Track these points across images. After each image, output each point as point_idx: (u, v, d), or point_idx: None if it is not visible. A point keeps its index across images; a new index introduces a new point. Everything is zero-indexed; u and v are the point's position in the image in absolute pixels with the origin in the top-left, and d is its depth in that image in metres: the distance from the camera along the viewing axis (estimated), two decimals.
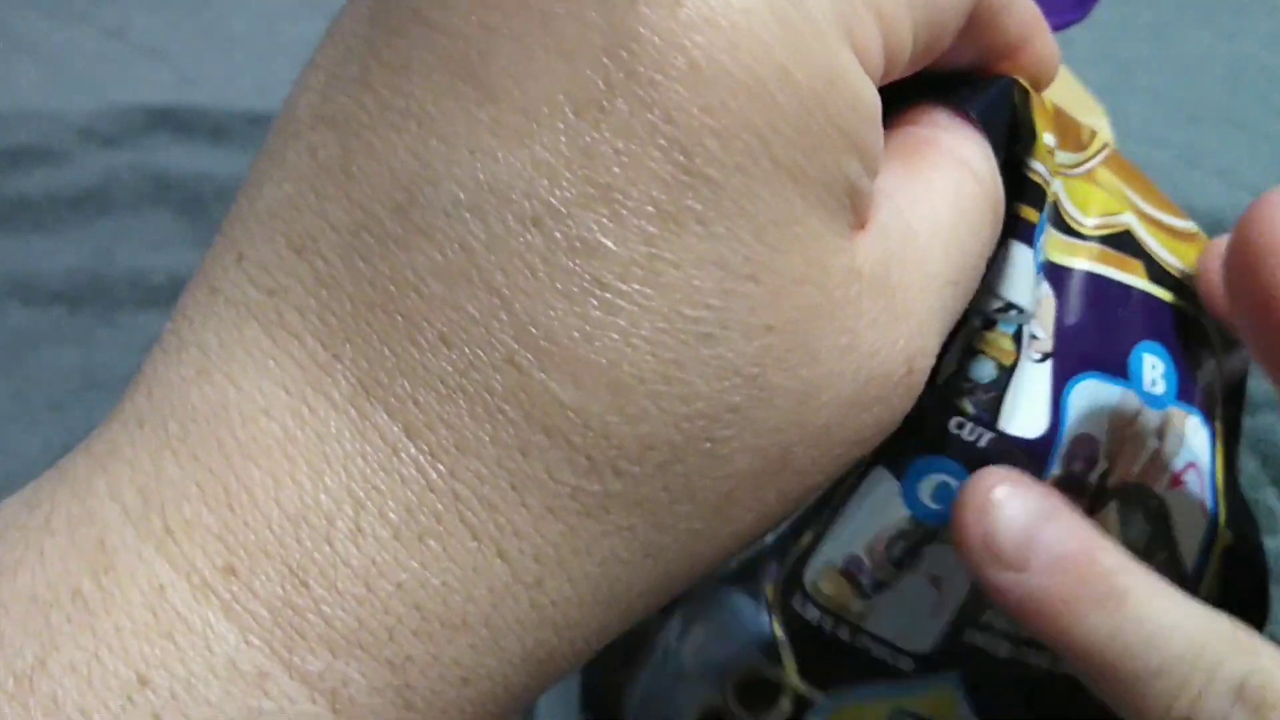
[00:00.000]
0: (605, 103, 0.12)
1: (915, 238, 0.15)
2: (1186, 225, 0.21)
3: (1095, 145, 0.20)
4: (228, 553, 0.13)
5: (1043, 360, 0.18)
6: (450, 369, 0.13)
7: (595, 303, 0.12)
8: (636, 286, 0.12)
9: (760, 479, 0.14)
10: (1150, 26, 0.68)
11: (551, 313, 0.12)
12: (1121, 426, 0.19)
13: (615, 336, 0.13)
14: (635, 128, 0.12)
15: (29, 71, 0.69)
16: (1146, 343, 0.19)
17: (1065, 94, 0.20)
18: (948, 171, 0.16)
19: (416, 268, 0.13)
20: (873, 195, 0.15)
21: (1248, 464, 0.51)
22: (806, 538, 0.20)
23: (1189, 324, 0.20)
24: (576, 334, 0.12)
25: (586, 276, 0.12)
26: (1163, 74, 0.65)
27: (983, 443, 0.18)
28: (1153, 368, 0.19)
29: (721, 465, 0.13)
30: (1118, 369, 0.19)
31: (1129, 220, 0.20)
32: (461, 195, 0.12)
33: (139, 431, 0.13)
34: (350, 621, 0.13)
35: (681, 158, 0.12)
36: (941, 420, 0.18)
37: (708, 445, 0.13)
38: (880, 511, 0.19)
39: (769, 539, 0.21)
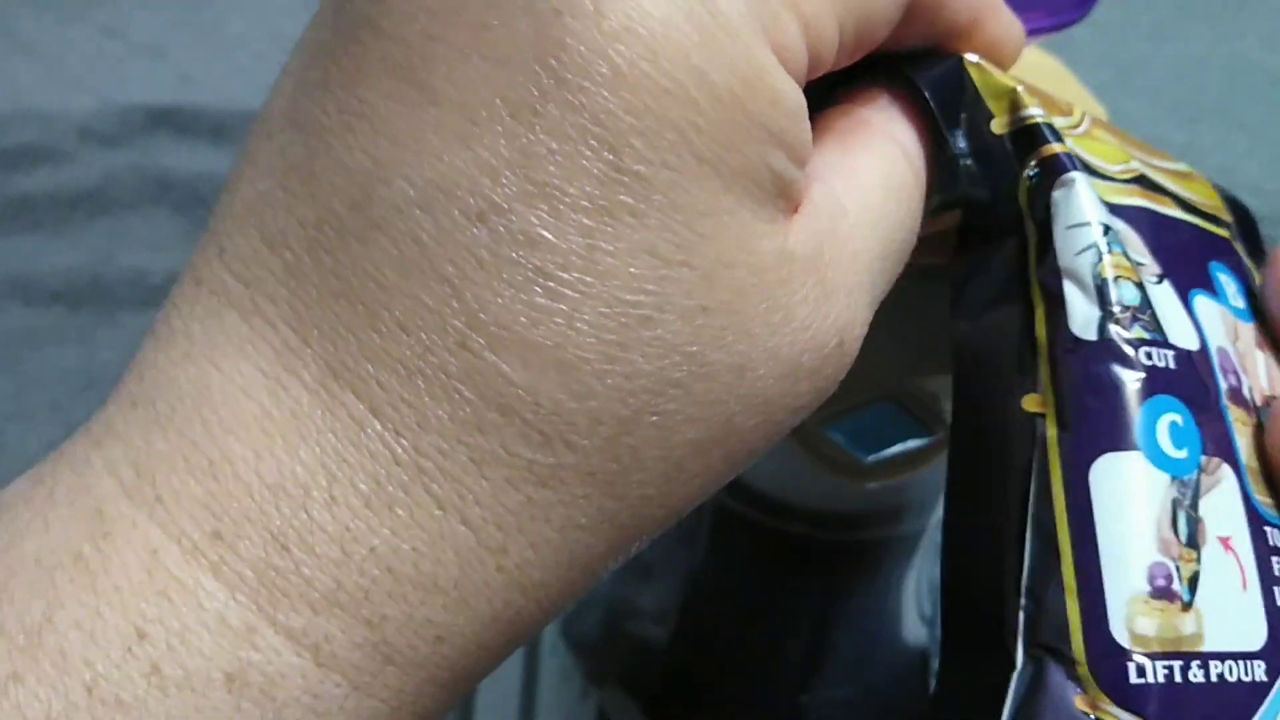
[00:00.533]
0: (539, 107, 0.13)
1: (845, 216, 0.16)
2: (1181, 166, 0.21)
3: (1079, 111, 0.20)
4: (214, 519, 0.14)
5: (1160, 281, 0.18)
6: (409, 353, 0.14)
7: (539, 290, 0.13)
8: (577, 275, 0.13)
9: (707, 447, 0.15)
10: (1150, 26, 0.68)
11: (499, 300, 0.13)
12: (1234, 340, 0.19)
13: (560, 321, 0.14)
14: (567, 130, 0.13)
15: (29, 71, 0.69)
16: (1214, 263, 0.20)
17: (1065, 94, 0.20)
18: (879, 151, 0.17)
19: (374, 260, 0.14)
20: (804, 180, 0.16)
21: None
22: (1058, 602, 0.17)
23: (1230, 248, 0.20)
24: (524, 319, 0.13)
25: (530, 267, 0.13)
26: (1163, 74, 0.65)
27: (1170, 363, 0.17)
28: (1227, 285, 0.20)
29: (668, 436, 0.15)
30: (1210, 287, 0.19)
31: (1138, 166, 0.20)
32: (411, 192, 0.13)
33: (132, 412, 0.14)
34: (329, 582, 0.14)
35: (611, 156, 0.13)
36: (1120, 355, 0.17)
37: (654, 419, 0.14)
38: (1142, 501, 0.17)
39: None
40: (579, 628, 0.37)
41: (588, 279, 0.14)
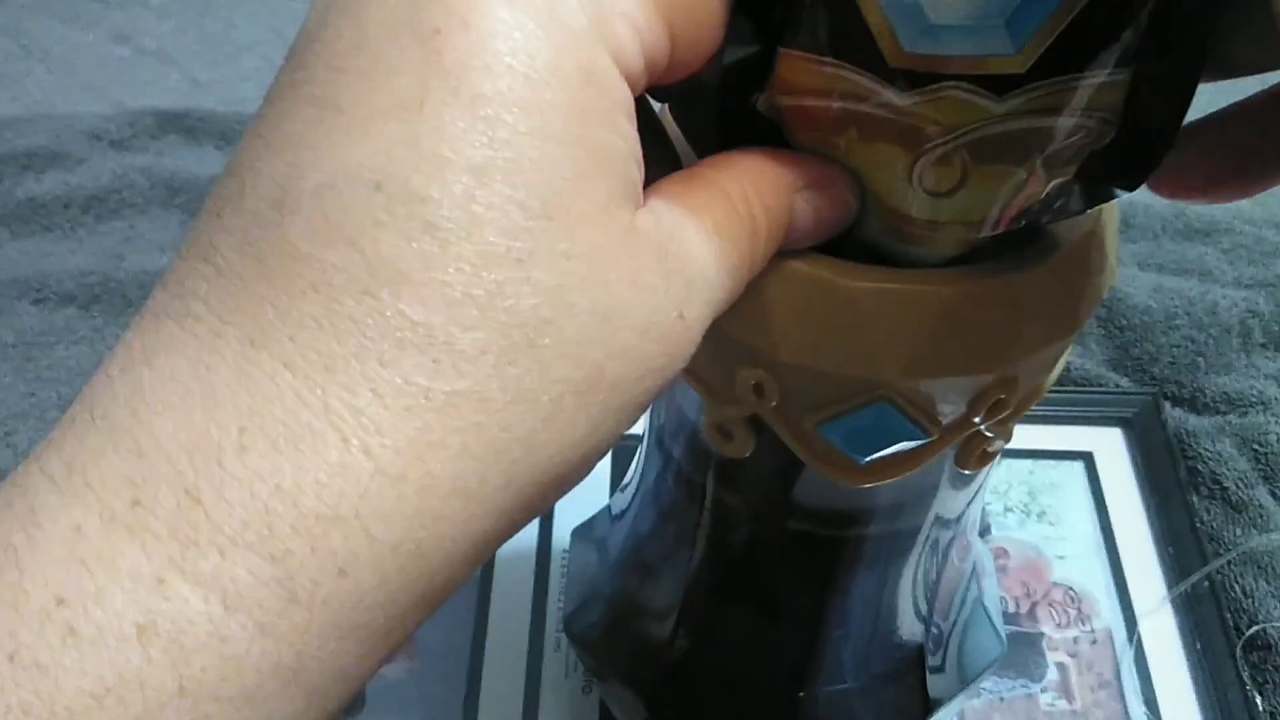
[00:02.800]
0: (424, 101, 0.16)
1: (682, 227, 0.19)
2: None
3: None
4: (135, 489, 0.15)
5: None
6: (320, 310, 0.15)
7: (429, 239, 0.16)
8: (459, 224, 0.16)
9: (581, 389, 0.17)
10: None
11: (396, 250, 0.16)
12: None
13: (449, 264, 0.16)
14: (448, 113, 0.16)
15: (41, 76, 0.69)
16: None
17: None
18: (714, 196, 0.20)
19: (290, 239, 0.16)
20: (642, 188, 0.19)
21: (1240, 463, 0.52)
22: None
23: None
24: (417, 264, 0.16)
25: (420, 219, 0.16)
26: None
27: None
28: None
29: (545, 370, 0.17)
30: None
31: None
32: (321, 179, 0.16)
33: (70, 425, 0.16)
34: (236, 524, 0.15)
35: (487, 130, 0.16)
36: None
37: (532, 352, 0.16)
38: None
39: None
40: (581, 624, 0.38)
41: (468, 226, 0.16)
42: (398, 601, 0.16)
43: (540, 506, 0.18)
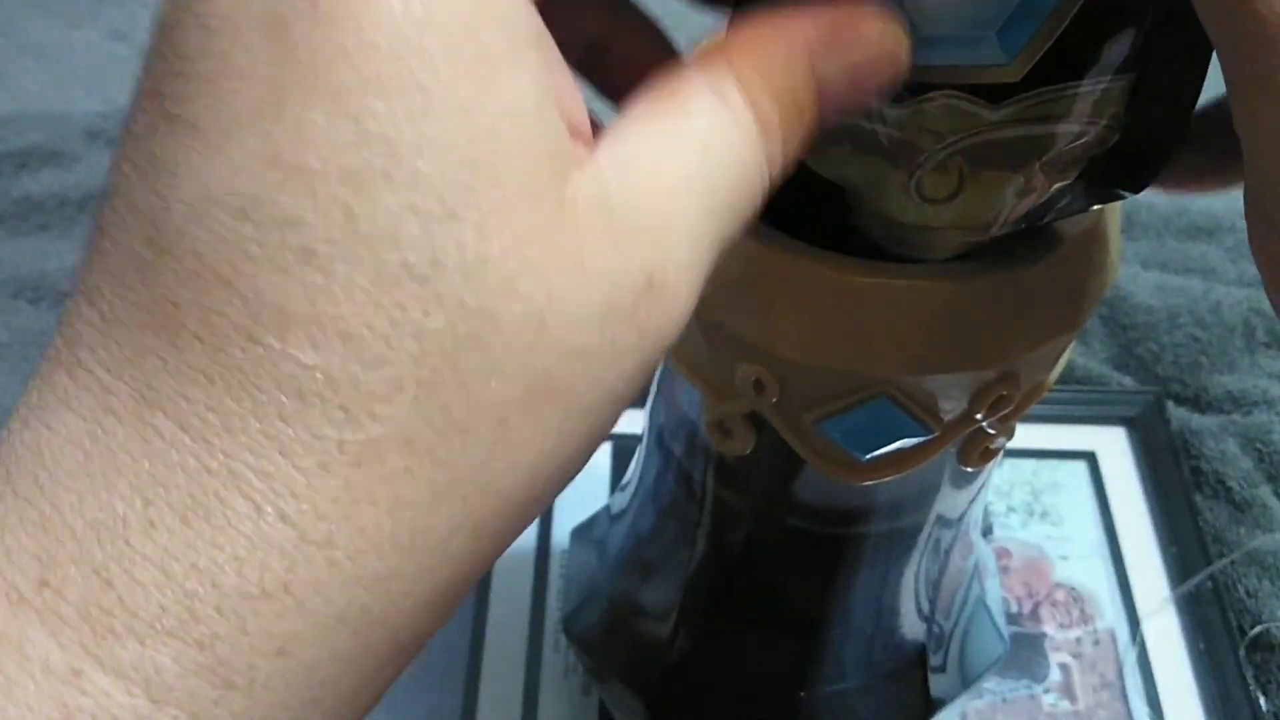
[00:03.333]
0: (281, 102, 0.14)
1: (641, 160, 0.16)
2: None
3: None
4: (42, 568, 0.13)
5: None
6: (207, 361, 0.14)
7: (309, 268, 0.14)
8: (341, 246, 0.14)
9: (529, 404, 0.15)
10: None
11: (274, 286, 0.14)
12: None
13: (337, 294, 0.14)
14: (308, 114, 0.14)
15: (37, 74, 0.69)
16: None
17: None
18: (696, 105, 0.16)
19: (167, 283, 0.14)
20: (575, 123, 0.16)
21: (1243, 462, 0.51)
22: None
23: None
24: (300, 299, 0.14)
25: (295, 247, 0.14)
26: None
27: None
28: None
29: (478, 393, 0.14)
30: None
31: None
32: (186, 210, 0.14)
33: None
34: (153, 609, 0.13)
35: (353, 125, 0.14)
36: None
37: (456, 376, 0.14)
38: None
39: None
40: (581, 624, 0.38)
41: (353, 248, 0.14)
42: (359, 668, 0.15)
43: (514, 532, 0.16)
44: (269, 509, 0.14)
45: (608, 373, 0.16)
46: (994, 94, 0.19)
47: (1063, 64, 0.19)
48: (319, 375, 0.14)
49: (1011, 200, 0.21)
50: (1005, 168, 0.20)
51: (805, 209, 0.22)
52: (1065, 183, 0.21)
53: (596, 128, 0.17)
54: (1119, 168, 0.21)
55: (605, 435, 0.17)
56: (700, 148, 0.16)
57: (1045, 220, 0.22)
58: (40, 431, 0.14)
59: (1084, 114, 0.20)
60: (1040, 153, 0.20)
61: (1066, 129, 0.20)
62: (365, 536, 0.14)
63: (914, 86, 0.19)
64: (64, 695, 0.13)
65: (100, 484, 0.14)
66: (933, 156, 0.20)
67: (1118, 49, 0.19)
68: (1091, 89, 0.19)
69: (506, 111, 0.14)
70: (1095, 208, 0.23)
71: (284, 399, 0.14)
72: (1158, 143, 0.21)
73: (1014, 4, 0.18)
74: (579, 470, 0.17)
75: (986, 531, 0.49)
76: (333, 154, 0.14)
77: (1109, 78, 0.19)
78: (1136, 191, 0.22)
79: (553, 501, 0.17)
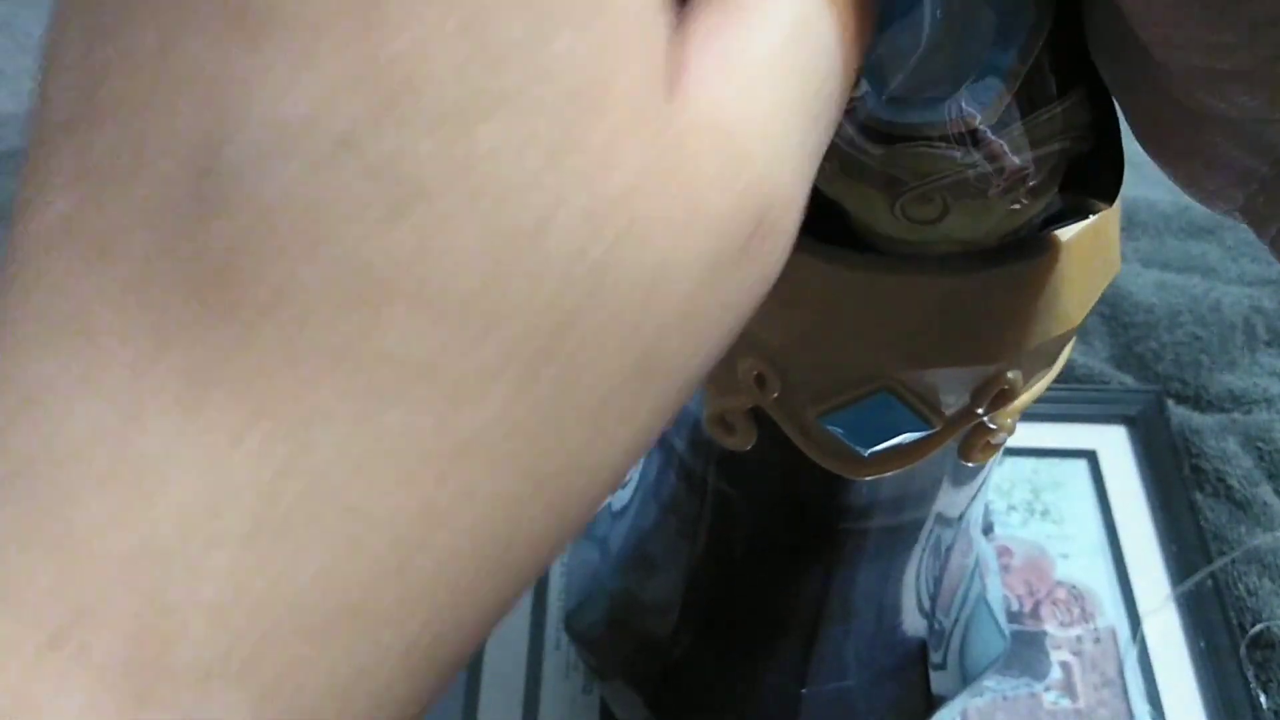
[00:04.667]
0: (381, 7, 0.11)
1: (745, 68, 0.13)
2: None
3: None
4: (66, 609, 0.11)
5: None
6: (291, 331, 0.11)
7: (412, 223, 0.11)
8: (453, 191, 0.11)
9: (630, 384, 0.13)
10: None
11: (372, 245, 0.11)
12: None
13: (443, 254, 0.11)
14: (416, 26, 0.11)
15: (37, 73, 0.69)
16: None
17: None
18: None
19: (236, 232, 0.11)
20: (685, 35, 0.13)
21: (1244, 460, 0.51)
22: None
23: None
24: (402, 261, 0.11)
25: (403, 192, 0.11)
26: None
27: None
28: None
29: (583, 373, 0.12)
30: None
31: None
32: (264, 141, 0.11)
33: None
34: (208, 656, 0.11)
35: (474, 43, 0.11)
36: None
37: (565, 350, 0.12)
38: None
39: None
40: (583, 622, 0.38)
41: (464, 193, 0.11)
42: (418, 707, 0.13)
43: (589, 518, 0.14)
44: (358, 512, 0.11)
45: (709, 339, 0.13)
46: (967, 140, 0.19)
47: (1030, 99, 0.19)
48: (418, 352, 0.11)
49: (1000, 217, 0.21)
50: (988, 195, 0.21)
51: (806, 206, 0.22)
52: (1050, 199, 0.21)
53: None
54: (1095, 174, 0.21)
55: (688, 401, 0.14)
56: (795, 32, 0.14)
57: (1040, 231, 0.22)
58: (49, 423, 0.11)
59: (1058, 133, 0.20)
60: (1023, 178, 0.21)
61: (1044, 151, 0.20)
62: (458, 538, 0.12)
63: (890, 137, 0.19)
64: None
65: (137, 499, 0.11)
66: (914, 189, 0.20)
67: (1068, 66, 0.19)
68: (1054, 111, 0.20)
69: (624, 9, 0.12)
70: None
71: (380, 380, 0.11)
72: (1114, 146, 0.21)
73: (978, 65, 0.18)
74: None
75: (987, 529, 0.50)
76: (444, 77, 0.11)
77: (1069, 96, 0.20)
78: (1110, 201, 0.22)
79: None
